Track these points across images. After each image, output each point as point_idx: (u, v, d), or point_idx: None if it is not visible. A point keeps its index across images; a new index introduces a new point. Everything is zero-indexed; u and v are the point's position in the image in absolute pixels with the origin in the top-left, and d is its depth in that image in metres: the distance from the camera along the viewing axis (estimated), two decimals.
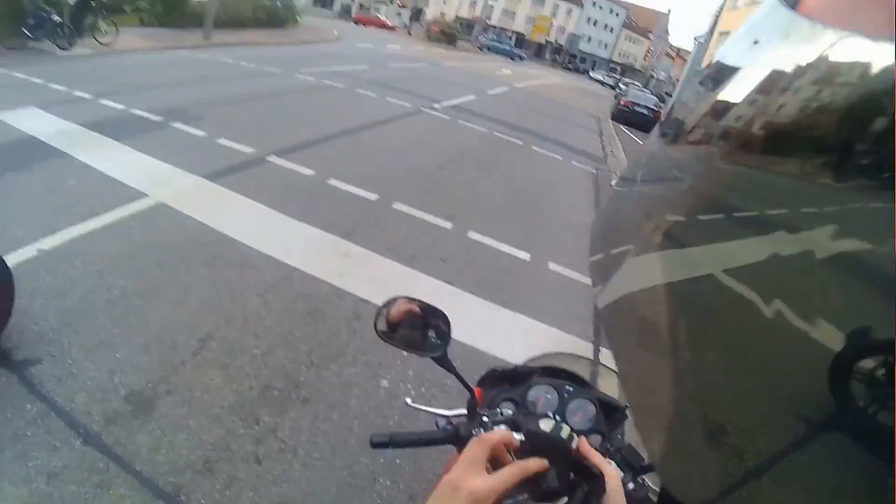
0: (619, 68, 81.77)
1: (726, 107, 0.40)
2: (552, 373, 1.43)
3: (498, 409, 1.26)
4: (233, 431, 2.75)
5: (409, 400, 1.42)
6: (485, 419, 1.12)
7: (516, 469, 0.74)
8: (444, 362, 1.12)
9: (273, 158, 6.60)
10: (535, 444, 0.88)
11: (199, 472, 2.51)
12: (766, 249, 0.34)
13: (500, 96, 17.86)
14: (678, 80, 33.79)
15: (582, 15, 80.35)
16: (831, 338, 0.28)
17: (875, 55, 0.27)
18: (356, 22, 52.39)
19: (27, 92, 7.49)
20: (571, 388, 1.37)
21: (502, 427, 1.05)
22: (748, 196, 0.38)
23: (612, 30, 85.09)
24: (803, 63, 0.32)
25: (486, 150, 9.74)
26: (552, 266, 5.50)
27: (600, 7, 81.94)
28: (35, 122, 6.30)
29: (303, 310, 3.78)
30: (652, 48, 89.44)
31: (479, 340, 3.79)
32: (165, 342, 3.22)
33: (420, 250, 5.06)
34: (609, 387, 1.43)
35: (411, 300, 1.18)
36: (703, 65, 0.58)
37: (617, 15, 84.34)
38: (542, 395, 1.33)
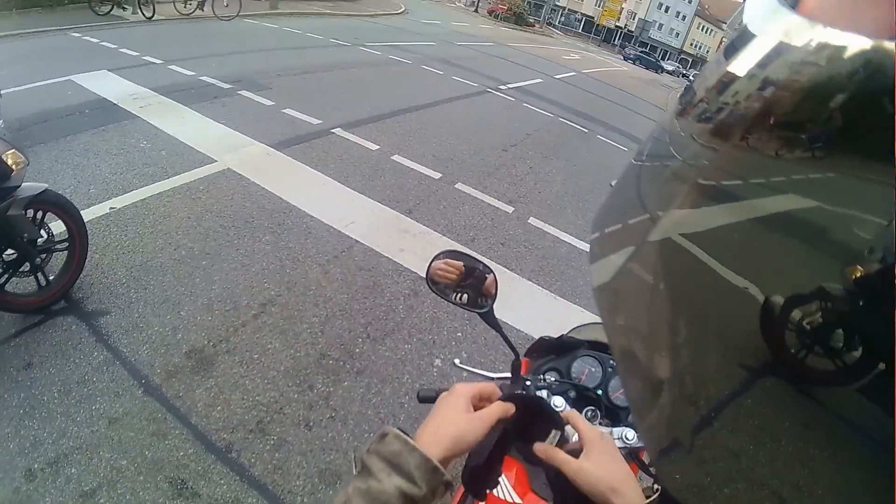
0: (690, 59, 78.24)
1: (725, 85, 0.40)
2: (599, 346, 1.44)
3: (542, 377, 1.28)
4: (287, 395, 2.76)
5: (457, 361, 1.43)
6: (527, 383, 1.15)
7: (494, 408, 0.77)
8: (490, 320, 1.08)
9: (339, 131, 6.60)
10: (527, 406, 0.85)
11: (252, 431, 2.53)
12: (723, 217, 0.37)
13: (567, 80, 17.44)
14: None
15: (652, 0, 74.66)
16: (765, 292, 0.32)
17: (875, 55, 0.27)
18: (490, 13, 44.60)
19: (100, 56, 7.78)
20: (615, 363, 1.36)
21: (543, 393, 1.09)
22: (733, 174, 0.39)
23: (683, 17, 78.20)
24: (803, 64, 0.33)
25: (551, 136, 9.50)
26: None
27: None
28: (107, 85, 6.55)
29: (362, 283, 3.78)
30: (725, 39, 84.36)
31: (533, 326, 3.70)
32: (228, 304, 3.27)
33: (480, 233, 4.99)
34: None
35: (462, 254, 1.15)
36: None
37: (689, 1, 77.36)
38: (586, 367, 1.36)
